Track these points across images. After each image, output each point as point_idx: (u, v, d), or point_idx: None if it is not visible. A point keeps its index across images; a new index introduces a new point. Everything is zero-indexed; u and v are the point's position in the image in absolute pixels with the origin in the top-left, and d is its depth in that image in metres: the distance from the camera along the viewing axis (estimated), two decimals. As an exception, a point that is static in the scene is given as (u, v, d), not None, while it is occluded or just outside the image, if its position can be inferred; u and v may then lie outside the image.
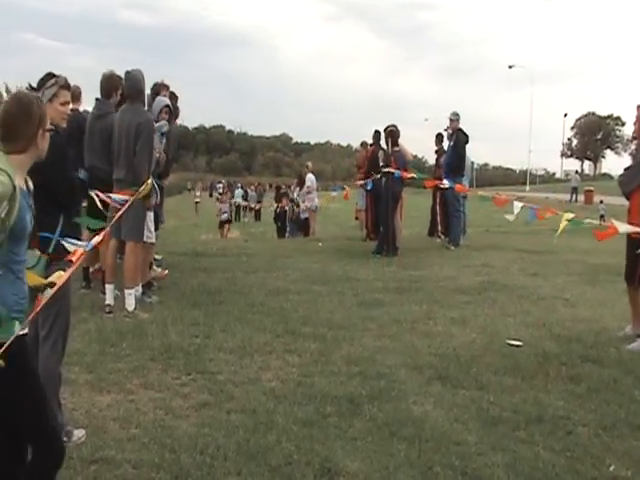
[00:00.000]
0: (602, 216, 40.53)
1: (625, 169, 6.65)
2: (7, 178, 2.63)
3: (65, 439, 3.86)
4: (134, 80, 7.03)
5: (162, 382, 5.06)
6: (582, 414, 4.60)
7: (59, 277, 3.22)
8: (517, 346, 6.13)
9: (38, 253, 3.46)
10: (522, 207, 6.94)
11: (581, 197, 39.40)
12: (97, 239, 4.25)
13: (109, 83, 7.47)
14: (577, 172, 53.32)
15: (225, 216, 21.99)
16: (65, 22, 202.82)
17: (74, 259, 3.58)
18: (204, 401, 4.70)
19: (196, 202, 37.88)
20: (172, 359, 5.54)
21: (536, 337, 6.45)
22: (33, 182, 3.74)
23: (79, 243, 3.90)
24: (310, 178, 17.68)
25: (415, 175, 10.95)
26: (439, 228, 13.84)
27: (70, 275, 3.50)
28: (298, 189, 18.51)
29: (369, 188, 12.67)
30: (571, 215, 6.46)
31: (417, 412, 4.60)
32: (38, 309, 2.52)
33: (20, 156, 2.85)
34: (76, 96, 9.31)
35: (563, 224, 6.29)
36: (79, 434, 4.03)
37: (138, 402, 4.68)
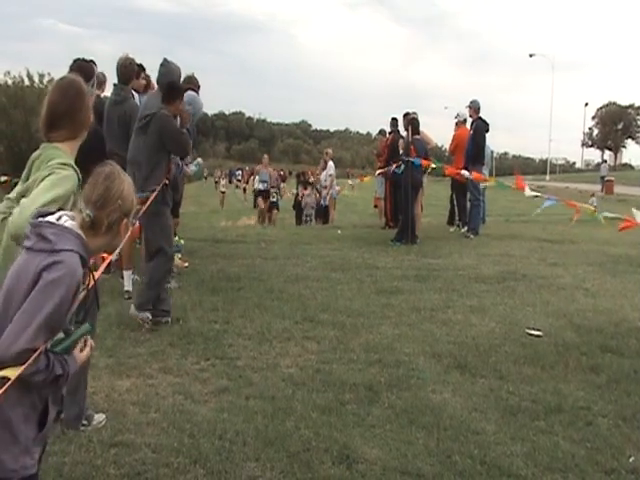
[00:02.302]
0: (603, 177, 40.26)
1: None
2: (73, 172, 2.61)
3: (85, 422, 3.90)
4: (168, 70, 6.93)
5: (181, 367, 5.09)
6: (602, 405, 4.57)
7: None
8: (537, 336, 6.09)
9: None
10: (537, 196, 6.87)
11: (600, 187, 39.04)
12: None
13: (126, 68, 7.47)
14: (605, 161, 52.65)
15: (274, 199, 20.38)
16: (85, 8, 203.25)
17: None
18: (223, 386, 4.73)
19: (222, 192, 35.22)
20: (191, 344, 5.58)
21: (556, 327, 6.40)
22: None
23: None
24: (331, 165, 17.65)
25: (434, 165, 10.86)
26: (457, 217, 13.78)
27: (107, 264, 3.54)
28: (323, 173, 18.36)
29: (399, 172, 12.37)
30: (592, 208, 6.38)
31: (436, 400, 4.59)
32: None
33: (73, 142, 2.82)
34: (100, 83, 9.37)
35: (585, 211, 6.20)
36: (99, 418, 4.06)
37: (157, 387, 4.71)
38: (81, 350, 2.29)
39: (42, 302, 2.06)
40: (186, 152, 6.59)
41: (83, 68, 4.10)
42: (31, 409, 2.20)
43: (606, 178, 40.13)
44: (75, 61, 4.14)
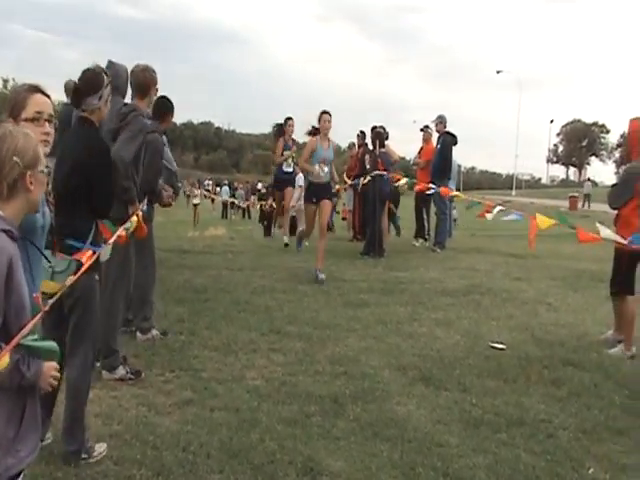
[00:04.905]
0: (587, 195, 40.86)
1: (612, 185, 6.73)
2: None
3: (85, 456, 3.73)
4: (115, 72, 6.85)
5: (145, 379, 5.05)
6: (563, 417, 4.65)
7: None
8: (500, 349, 6.17)
9: (69, 258, 3.44)
10: (504, 210, 6.95)
11: (565, 203, 39.66)
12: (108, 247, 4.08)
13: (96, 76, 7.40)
14: (589, 179, 53.20)
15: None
16: (53, 13, 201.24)
17: (84, 260, 3.51)
18: (187, 398, 4.70)
19: (195, 204, 31.05)
20: (156, 355, 5.54)
21: (519, 340, 6.50)
22: (73, 184, 3.73)
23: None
24: (300, 177, 17.65)
25: (405, 181, 10.95)
26: (426, 230, 13.86)
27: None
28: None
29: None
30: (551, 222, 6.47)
31: (400, 413, 4.62)
32: (36, 320, 2.42)
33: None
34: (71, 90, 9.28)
35: (548, 223, 6.29)
36: (100, 449, 3.83)
37: (121, 398, 4.67)
38: (51, 375, 2.28)
39: None
40: (151, 186, 5.74)
41: (90, 81, 3.98)
42: (10, 409, 2.20)
43: (570, 194, 40.77)
44: (85, 72, 4.04)
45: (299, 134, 11.78)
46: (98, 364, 4.85)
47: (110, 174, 3.95)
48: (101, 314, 5.03)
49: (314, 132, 10.29)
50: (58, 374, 2.31)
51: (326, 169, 9.12)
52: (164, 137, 6.32)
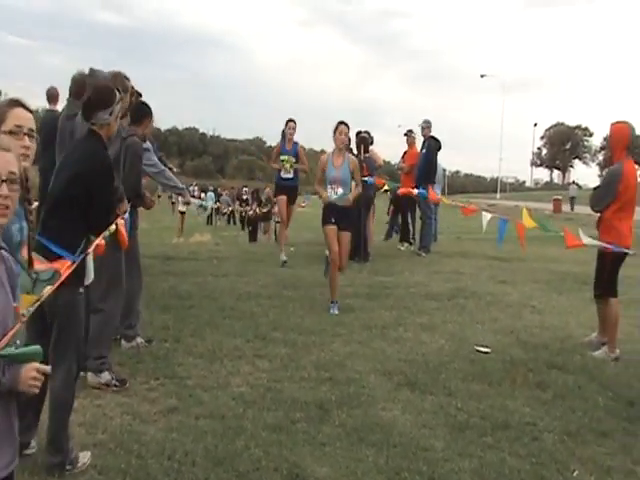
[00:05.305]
0: (572, 198, 41.10)
1: (594, 188, 6.77)
2: None
3: (69, 467, 3.69)
4: (97, 80, 6.84)
5: (130, 387, 5.02)
6: (548, 420, 4.67)
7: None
8: (485, 353, 6.19)
9: (53, 268, 3.41)
10: (491, 217, 7.00)
11: (549, 205, 39.89)
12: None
13: (79, 83, 7.39)
14: (574, 182, 53.46)
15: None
16: (34, 20, 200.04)
17: (62, 270, 3.48)
18: (172, 406, 4.68)
19: (181, 212, 28.11)
20: (140, 363, 5.51)
21: (504, 344, 6.52)
22: (71, 193, 3.69)
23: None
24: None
25: (388, 187, 10.97)
26: (411, 234, 13.91)
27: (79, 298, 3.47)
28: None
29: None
30: (533, 224, 6.54)
31: (386, 418, 4.62)
32: (15, 330, 2.39)
33: None
34: (54, 97, 9.23)
35: (532, 224, 6.34)
36: (84, 459, 3.80)
37: (105, 407, 4.64)
38: (31, 377, 2.24)
39: None
40: (134, 189, 5.63)
41: (102, 96, 3.95)
42: None
43: (553, 197, 41.02)
44: (97, 86, 4.01)
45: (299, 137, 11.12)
46: (83, 374, 4.82)
47: (110, 191, 3.94)
48: (97, 321, 5.11)
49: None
50: (41, 376, 2.27)
51: (340, 191, 7.70)
52: (149, 142, 6.31)
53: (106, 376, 5.05)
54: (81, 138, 4.08)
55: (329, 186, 7.75)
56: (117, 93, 3.99)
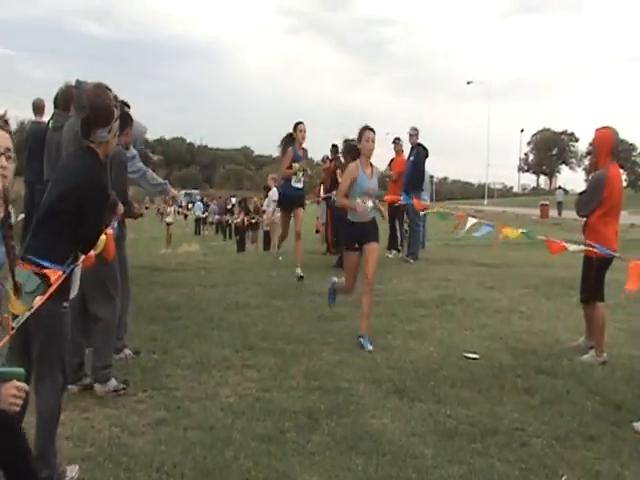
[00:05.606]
0: (560, 203, 41.30)
1: (580, 193, 6.81)
2: None
3: None
4: (83, 92, 6.78)
5: (118, 399, 5.00)
6: (536, 425, 4.68)
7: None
8: (474, 359, 6.21)
9: (39, 279, 3.40)
10: (476, 222, 7.01)
11: (537, 211, 40.09)
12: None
13: (66, 95, 7.37)
14: (560, 187, 53.63)
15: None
16: (20, 31, 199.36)
17: (52, 281, 3.47)
18: (161, 418, 4.66)
19: (168, 224, 27.79)
20: (128, 375, 5.47)
21: (492, 350, 6.54)
22: (64, 207, 3.68)
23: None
24: (274, 192, 17.68)
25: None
26: (399, 241, 13.93)
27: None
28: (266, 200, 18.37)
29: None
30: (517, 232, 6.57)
31: (375, 426, 4.62)
32: (4, 342, 2.39)
33: None
34: (40, 109, 9.21)
35: (516, 234, 6.37)
36: (71, 473, 3.78)
37: (93, 420, 4.62)
38: (12, 395, 2.23)
39: None
40: (121, 198, 5.48)
41: (101, 113, 3.94)
42: None
43: (540, 202, 41.21)
44: (95, 103, 3.99)
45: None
46: (70, 386, 4.81)
47: (102, 210, 3.92)
48: (98, 331, 5.19)
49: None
50: (22, 394, 2.26)
51: (370, 204, 6.81)
52: (133, 150, 6.31)
53: (113, 383, 5.14)
54: (78, 153, 4.03)
55: (359, 199, 6.73)
56: (116, 110, 3.99)
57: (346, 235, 7.07)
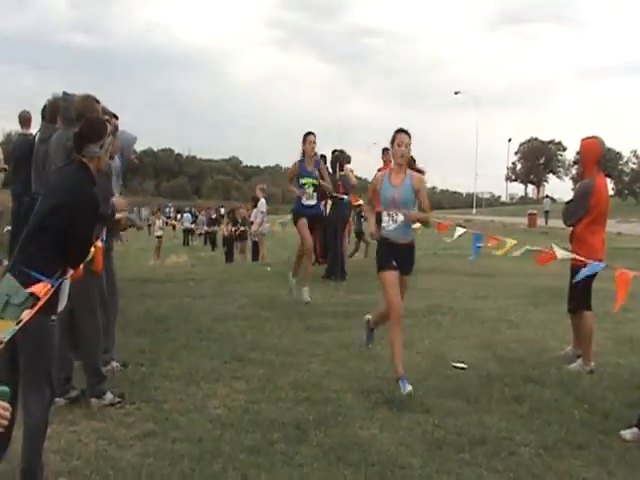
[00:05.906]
0: (547, 212, 41.50)
1: (567, 203, 6.86)
2: None
3: None
4: (70, 104, 6.76)
5: (105, 412, 4.97)
6: (524, 434, 4.69)
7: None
8: (462, 368, 6.22)
9: (27, 291, 3.39)
10: (464, 232, 7.05)
11: (525, 220, 40.29)
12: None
13: (54, 107, 7.35)
14: (548, 196, 53.86)
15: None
16: (5, 41, 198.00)
17: (41, 295, 3.45)
18: (149, 430, 4.63)
19: (158, 237, 26.70)
20: (116, 388, 5.44)
21: (480, 359, 6.55)
22: (53, 222, 3.67)
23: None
24: (262, 202, 17.70)
25: (362, 202, 11.03)
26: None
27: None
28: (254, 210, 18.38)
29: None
30: (514, 242, 6.64)
31: (363, 436, 4.62)
32: None
33: None
34: (26, 121, 9.18)
35: (507, 247, 6.43)
36: None
37: (80, 433, 4.58)
38: None
39: None
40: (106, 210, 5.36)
41: (94, 128, 3.94)
42: None
43: (528, 212, 41.42)
44: (89, 119, 3.99)
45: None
46: (57, 399, 4.77)
47: (91, 226, 3.92)
48: (85, 347, 5.16)
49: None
50: (6, 413, 2.25)
51: (400, 217, 5.77)
52: (117, 160, 6.29)
53: (109, 396, 5.13)
54: (70, 168, 4.02)
55: (385, 213, 5.84)
56: (108, 126, 4.00)
57: (382, 254, 6.00)
